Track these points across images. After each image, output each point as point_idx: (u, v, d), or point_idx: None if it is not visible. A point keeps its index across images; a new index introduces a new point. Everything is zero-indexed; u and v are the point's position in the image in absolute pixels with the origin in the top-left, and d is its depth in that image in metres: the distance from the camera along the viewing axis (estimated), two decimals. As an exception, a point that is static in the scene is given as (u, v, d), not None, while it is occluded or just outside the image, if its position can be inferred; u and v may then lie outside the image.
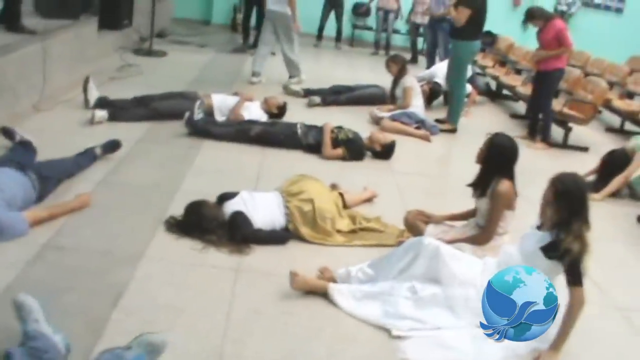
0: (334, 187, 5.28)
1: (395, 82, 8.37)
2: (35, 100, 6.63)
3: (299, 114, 7.51)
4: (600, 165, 6.82)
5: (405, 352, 3.43)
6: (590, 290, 4.39)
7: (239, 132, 6.58)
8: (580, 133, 8.59)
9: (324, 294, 3.82)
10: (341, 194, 5.15)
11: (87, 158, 5.35)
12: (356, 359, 3.29)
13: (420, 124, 7.89)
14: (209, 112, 7.05)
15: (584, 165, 6.75)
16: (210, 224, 4.37)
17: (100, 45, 9.06)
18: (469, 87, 9.37)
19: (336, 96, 8.79)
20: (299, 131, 6.61)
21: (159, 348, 2.91)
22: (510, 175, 4.29)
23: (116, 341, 3.04)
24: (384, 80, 8.97)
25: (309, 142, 6.54)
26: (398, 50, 13.90)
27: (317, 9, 13.72)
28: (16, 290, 3.18)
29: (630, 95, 10.53)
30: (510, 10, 15.13)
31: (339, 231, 4.72)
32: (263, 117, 7.20)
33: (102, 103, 6.82)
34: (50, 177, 4.76)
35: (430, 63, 11.34)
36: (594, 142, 8.71)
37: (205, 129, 6.52)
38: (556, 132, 8.34)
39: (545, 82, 8.08)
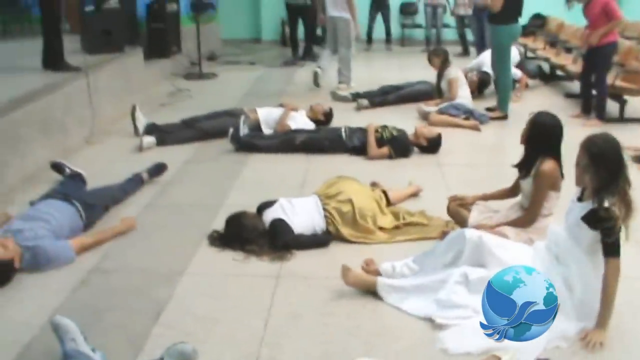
0: (374, 185, 5.26)
1: (440, 76, 8.31)
2: (86, 134, 6.85)
3: (347, 119, 7.49)
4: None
5: (445, 342, 3.36)
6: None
7: (284, 142, 6.63)
8: (638, 106, 8.29)
9: (371, 291, 3.79)
10: (384, 192, 5.12)
11: (133, 183, 5.49)
12: (394, 353, 3.24)
13: (469, 114, 7.78)
14: (256, 127, 7.13)
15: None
16: (250, 234, 4.41)
17: (148, 74, 9.33)
18: (518, 72, 9.22)
19: (384, 96, 8.77)
20: (343, 135, 6.62)
21: (190, 356, 2.96)
22: (555, 155, 4.17)
23: (155, 355, 3.10)
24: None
25: (354, 144, 6.54)
26: (449, 43, 13.80)
27: (363, 13, 13.69)
28: (62, 314, 3.25)
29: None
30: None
31: (381, 228, 4.69)
32: (310, 125, 7.22)
33: (150, 129, 6.99)
34: (95, 204, 4.90)
35: (480, 53, 11.17)
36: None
37: (250, 143, 6.60)
38: (612, 106, 8.07)
39: (598, 58, 7.83)
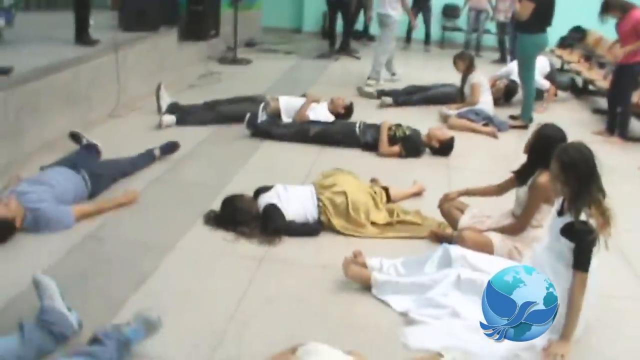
0: (373, 181, 5.34)
1: (464, 80, 8.32)
2: (110, 108, 7.06)
3: (368, 115, 7.53)
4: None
5: (407, 337, 3.45)
6: (629, 282, 4.32)
7: (298, 132, 6.75)
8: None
9: (366, 285, 3.88)
10: (386, 188, 5.21)
11: (144, 158, 5.67)
12: (355, 343, 3.31)
13: (488, 120, 7.80)
14: (277, 114, 7.26)
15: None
16: (243, 217, 4.55)
17: (182, 54, 9.51)
18: (546, 83, 9.19)
19: (408, 96, 8.81)
20: (357, 130, 6.71)
21: (155, 325, 3.11)
22: None
23: (124, 320, 3.24)
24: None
25: (367, 140, 6.62)
26: (489, 49, 13.77)
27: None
28: (51, 274, 3.43)
29: None
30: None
31: (373, 223, 4.78)
32: (329, 118, 7.30)
33: (173, 108, 7.17)
34: (103, 175, 5.10)
35: (513, 60, 11.12)
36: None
37: (266, 129, 6.74)
38: (637, 126, 8.01)
39: (625, 75, 7.78)
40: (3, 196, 4.34)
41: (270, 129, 6.77)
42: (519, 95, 9.01)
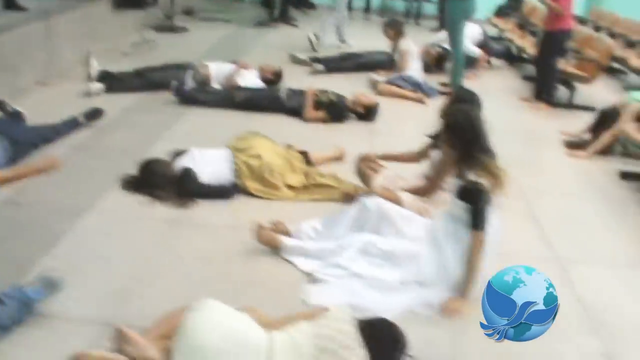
0: (289, 147, 5.45)
1: (394, 47, 8.44)
2: (39, 76, 7.03)
3: (299, 82, 7.63)
4: (593, 123, 6.77)
5: (307, 294, 3.59)
6: (535, 243, 4.51)
7: (224, 98, 6.83)
8: (591, 93, 8.44)
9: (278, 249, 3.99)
10: (305, 152, 5.33)
11: (68, 125, 5.70)
12: (257, 298, 3.46)
13: (417, 87, 7.95)
14: (207, 81, 7.30)
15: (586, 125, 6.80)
16: (159, 180, 4.65)
17: (116, 22, 9.44)
18: (477, 51, 9.37)
19: (341, 63, 8.92)
20: (282, 95, 6.80)
21: (56, 284, 3.21)
22: None
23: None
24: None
25: (292, 105, 6.73)
26: (429, 18, 13.91)
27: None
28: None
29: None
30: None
31: (289, 186, 4.91)
32: (259, 84, 7.39)
33: (103, 76, 7.16)
34: (24, 141, 5.11)
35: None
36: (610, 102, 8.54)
37: (192, 96, 6.81)
38: (564, 93, 8.22)
39: (549, 42, 7.98)
40: None
41: (197, 96, 6.83)
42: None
